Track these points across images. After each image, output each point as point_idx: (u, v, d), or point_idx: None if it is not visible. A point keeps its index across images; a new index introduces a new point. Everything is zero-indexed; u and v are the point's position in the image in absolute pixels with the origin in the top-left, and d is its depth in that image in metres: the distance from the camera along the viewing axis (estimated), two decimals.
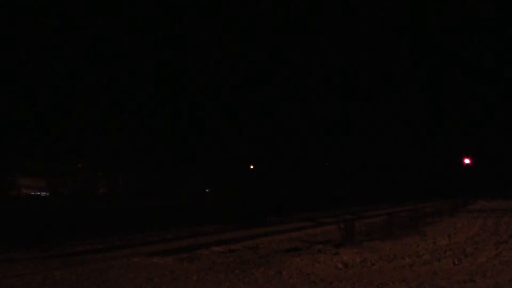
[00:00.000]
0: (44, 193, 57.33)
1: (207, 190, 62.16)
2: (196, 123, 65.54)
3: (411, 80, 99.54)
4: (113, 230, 15.19)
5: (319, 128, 76.03)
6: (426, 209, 23.84)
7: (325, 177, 71.17)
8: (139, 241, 12.88)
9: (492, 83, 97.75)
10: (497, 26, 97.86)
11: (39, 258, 9.75)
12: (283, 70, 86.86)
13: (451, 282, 6.98)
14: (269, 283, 7.08)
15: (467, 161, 33.19)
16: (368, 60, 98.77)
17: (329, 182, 69.20)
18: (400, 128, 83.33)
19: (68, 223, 19.62)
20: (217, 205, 33.85)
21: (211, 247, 11.02)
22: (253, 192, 54.68)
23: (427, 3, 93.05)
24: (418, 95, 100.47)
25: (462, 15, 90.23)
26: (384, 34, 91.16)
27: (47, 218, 21.47)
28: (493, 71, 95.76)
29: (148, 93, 65.07)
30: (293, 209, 26.42)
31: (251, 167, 69.55)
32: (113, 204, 33.69)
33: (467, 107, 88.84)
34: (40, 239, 12.71)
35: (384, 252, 9.82)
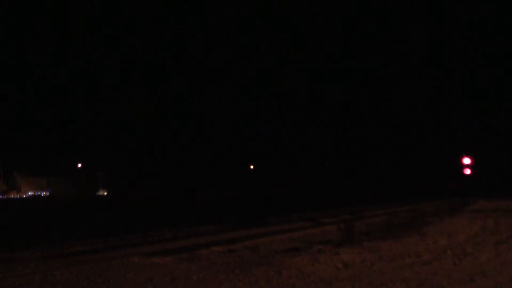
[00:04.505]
0: (45, 193, 57.43)
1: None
2: (196, 123, 65.52)
3: (411, 80, 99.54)
4: (113, 229, 15.19)
5: (319, 128, 76.04)
6: (426, 209, 23.89)
7: (325, 177, 71.18)
8: (139, 241, 12.88)
9: (491, 82, 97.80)
10: (495, 25, 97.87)
11: (39, 258, 9.75)
12: (282, 70, 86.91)
13: (451, 282, 6.98)
14: (269, 283, 7.08)
15: (467, 161, 33.10)
16: (368, 59, 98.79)
17: (329, 182, 69.18)
18: (400, 127, 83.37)
19: (67, 223, 19.61)
20: (216, 204, 33.82)
21: (211, 247, 11.01)
22: (253, 192, 54.65)
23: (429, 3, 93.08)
24: (419, 95, 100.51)
25: (461, 15, 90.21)
26: (384, 33, 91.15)
27: (47, 218, 21.47)
28: (493, 71, 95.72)
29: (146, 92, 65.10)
30: (293, 209, 26.40)
31: (251, 167, 69.56)
32: (112, 205, 33.67)
33: (468, 107, 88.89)
34: (40, 239, 12.71)
35: (384, 252, 9.81)
